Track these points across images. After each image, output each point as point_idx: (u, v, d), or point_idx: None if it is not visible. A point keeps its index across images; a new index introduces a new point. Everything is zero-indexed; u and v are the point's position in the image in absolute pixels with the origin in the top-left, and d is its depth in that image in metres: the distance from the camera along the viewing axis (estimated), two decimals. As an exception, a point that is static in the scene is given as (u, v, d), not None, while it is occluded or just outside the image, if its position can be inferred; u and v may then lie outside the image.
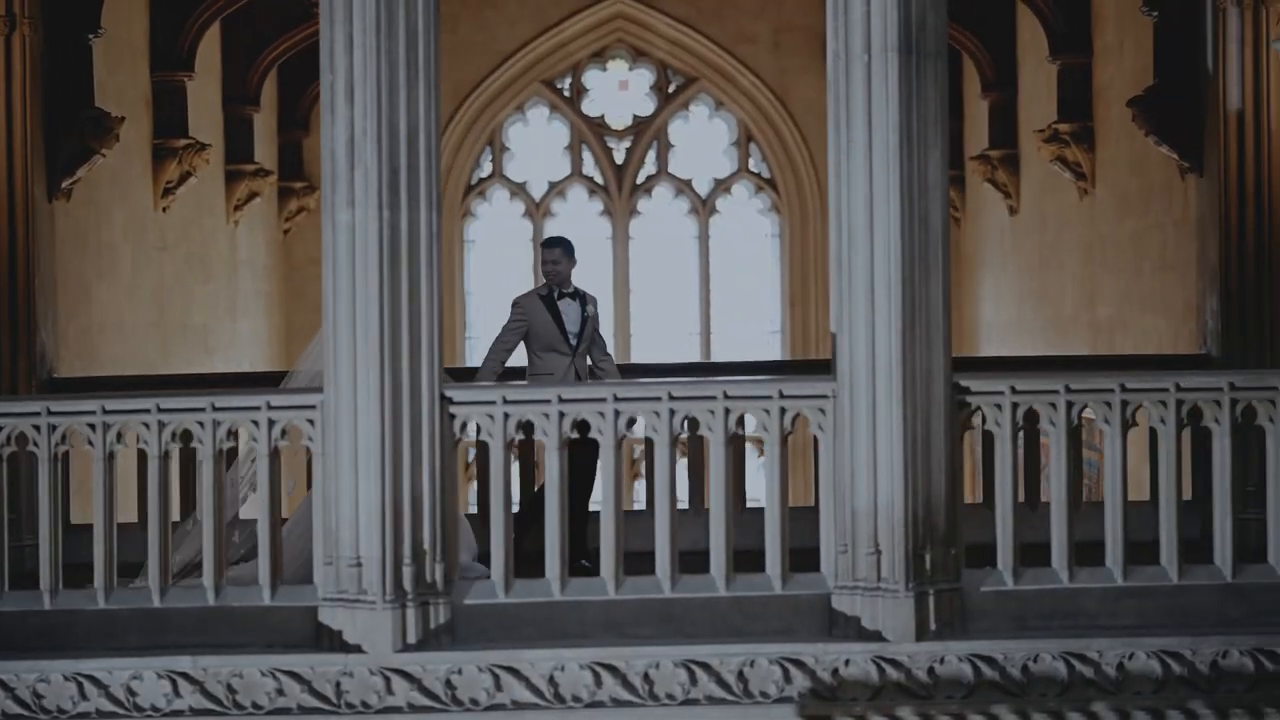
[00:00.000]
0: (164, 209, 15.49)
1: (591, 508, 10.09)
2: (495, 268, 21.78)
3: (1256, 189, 11.45)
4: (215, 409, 8.56)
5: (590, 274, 10.90)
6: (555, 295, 10.44)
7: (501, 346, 10.36)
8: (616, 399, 8.58)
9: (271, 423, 8.56)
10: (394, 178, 8.37)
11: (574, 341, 10.39)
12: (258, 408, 8.56)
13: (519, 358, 10.46)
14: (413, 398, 8.36)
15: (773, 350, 21.71)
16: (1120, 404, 8.64)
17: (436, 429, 8.42)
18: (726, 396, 8.59)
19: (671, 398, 8.58)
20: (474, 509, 10.92)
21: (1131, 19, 13.92)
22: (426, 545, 8.39)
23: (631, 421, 8.62)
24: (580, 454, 9.22)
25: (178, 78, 15.46)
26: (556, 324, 10.36)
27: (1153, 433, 8.96)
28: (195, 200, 16.45)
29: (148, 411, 8.56)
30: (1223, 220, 11.59)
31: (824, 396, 8.53)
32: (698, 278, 22.02)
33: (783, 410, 8.57)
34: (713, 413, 8.58)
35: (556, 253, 10.56)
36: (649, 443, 9.83)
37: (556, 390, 8.66)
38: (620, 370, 11.08)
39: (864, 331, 8.38)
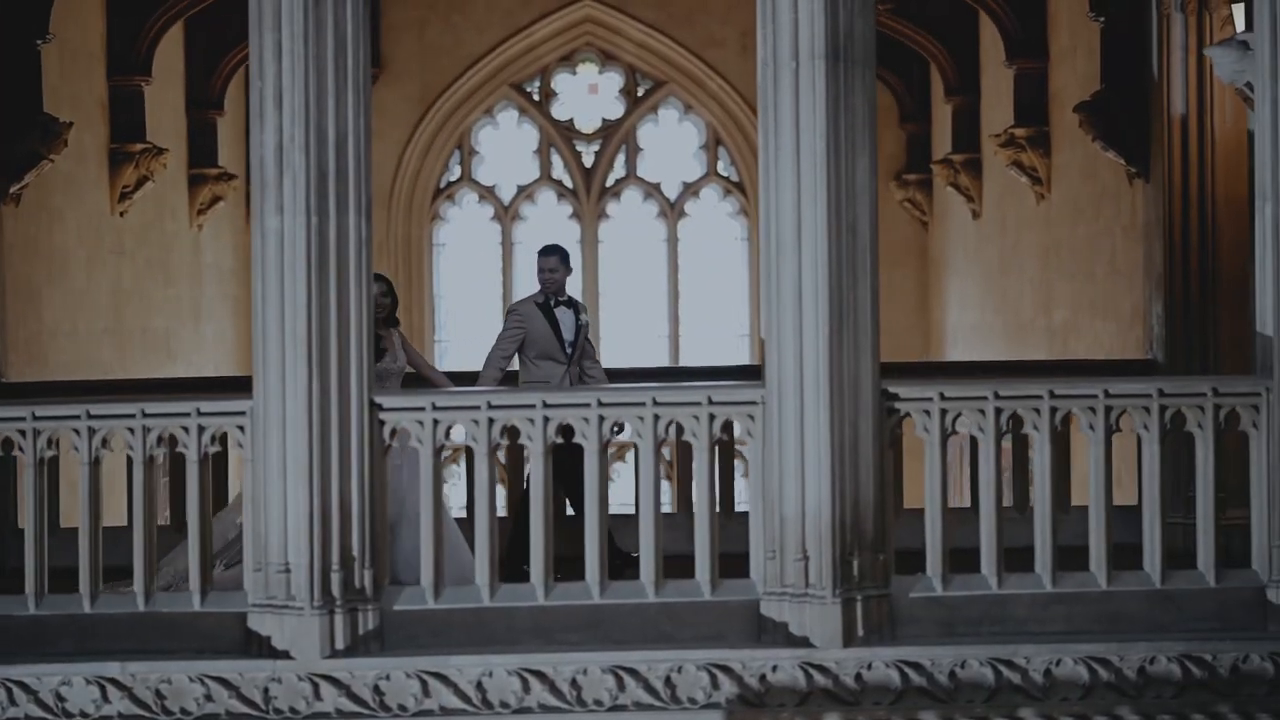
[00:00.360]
0: (121, 214, 15.46)
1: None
2: (464, 271, 21.79)
3: (1200, 195, 11.49)
4: (145, 415, 8.55)
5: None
6: (551, 303, 10.47)
7: (501, 354, 10.41)
8: (546, 405, 8.57)
9: (201, 429, 8.56)
10: (322, 184, 8.36)
11: (570, 350, 10.43)
12: (187, 414, 8.55)
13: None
14: (341, 404, 8.36)
15: (742, 354, 21.69)
16: (1049, 410, 8.63)
17: (365, 435, 8.42)
18: (655, 403, 8.58)
19: (601, 404, 8.58)
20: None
21: (1084, 24, 13.93)
22: (355, 551, 8.39)
23: (560, 427, 8.62)
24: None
25: (135, 82, 15.45)
26: (554, 332, 10.40)
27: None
28: (156, 204, 16.43)
29: (78, 418, 8.55)
30: (1167, 226, 11.63)
31: (753, 403, 8.53)
32: (667, 281, 22.01)
33: (711, 416, 8.57)
34: (642, 419, 8.58)
35: (554, 260, 10.60)
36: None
37: (486, 397, 8.67)
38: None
39: (792, 338, 8.38)
